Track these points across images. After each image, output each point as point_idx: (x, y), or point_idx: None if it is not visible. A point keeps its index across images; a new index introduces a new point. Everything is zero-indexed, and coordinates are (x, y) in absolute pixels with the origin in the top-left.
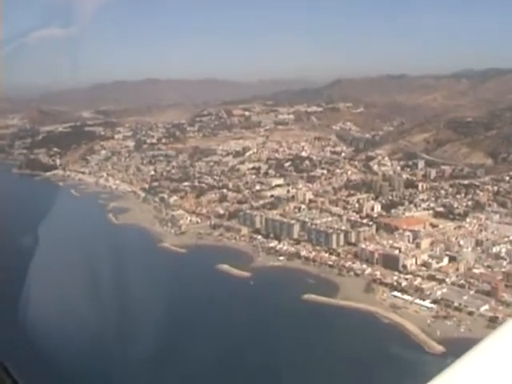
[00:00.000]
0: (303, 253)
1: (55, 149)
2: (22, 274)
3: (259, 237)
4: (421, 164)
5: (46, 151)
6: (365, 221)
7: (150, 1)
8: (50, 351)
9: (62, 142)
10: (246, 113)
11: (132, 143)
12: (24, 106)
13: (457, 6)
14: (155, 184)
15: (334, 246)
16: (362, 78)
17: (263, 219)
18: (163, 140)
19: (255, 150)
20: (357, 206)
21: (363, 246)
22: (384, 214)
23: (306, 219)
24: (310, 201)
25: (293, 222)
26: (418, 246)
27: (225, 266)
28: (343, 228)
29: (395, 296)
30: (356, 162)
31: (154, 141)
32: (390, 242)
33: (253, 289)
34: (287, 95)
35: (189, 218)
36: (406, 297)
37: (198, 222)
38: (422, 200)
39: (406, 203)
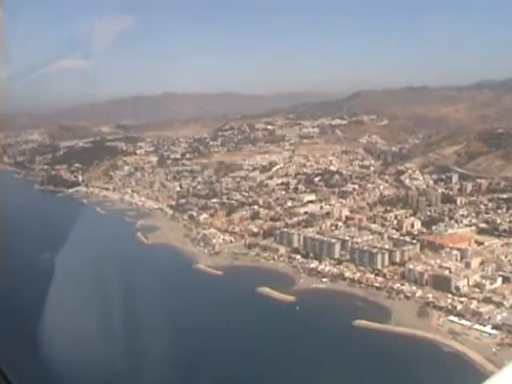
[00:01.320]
0: (347, 274)
1: (77, 164)
2: (49, 296)
3: (298, 257)
4: (455, 178)
5: (67, 167)
6: (407, 238)
7: (166, 14)
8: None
9: (84, 158)
10: (269, 126)
11: (155, 158)
12: (43, 122)
13: (474, 15)
14: (182, 201)
15: (379, 266)
16: (382, 90)
17: (301, 238)
18: (187, 155)
19: (282, 165)
20: (395, 222)
21: (411, 266)
22: (424, 231)
23: (346, 237)
24: (347, 218)
25: (334, 240)
26: (467, 265)
27: (265, 289)
28: (387, 247)
29: (452, 321)
30: (387, 177)
31: (178, 156)
32: (438, 261)
33: (299, 314)
34: (306, 108)
35: (221, 237)
36: (463, 322)
37: (231, 241)
38: (463, 216)
39: (446, 219)
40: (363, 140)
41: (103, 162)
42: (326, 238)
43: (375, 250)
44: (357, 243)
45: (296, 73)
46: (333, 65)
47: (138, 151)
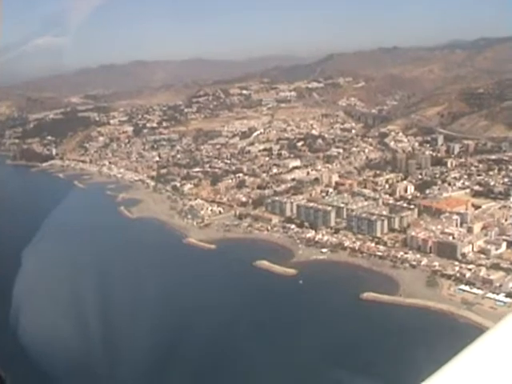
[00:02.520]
0: (347, 243)
1: (49, 137)
2: (31, 277)
3: (293, 226)
4: (440, 139)
5: (39, 140)
6: (402, 203)
7: None
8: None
9: (56, 130)
10: (244, 91)
11: (130, 128)
12: (8, 94)
13: None
14: (163, 171)
15: (379, 233)
16: (354, 51)
17: (294, 206)
18: (164, 123)
19: (262, 131)
20: (387, 187)
21: (413, 233)
22: (418, 195)
23: (341, 204)
24: (337, 183)
25: (329, 208)
26: (469, 230)
27: (264, 263)
28: (384, 213)
29: (463, 290)
30: (370, 139)
31: (154, 124)
32: (439, 227)
33: (303, 289)
34: (279, 72)
35: (209, 208)
36: (475, 290)
37: (220, 212)
38: (455, 178)
39: (439, 182)
40: (342, 103)
41: (77, 133)
42: (320, 206)
43: (374, 217)
44: (352, 210)
45: (266, 36)
46: (302, 28)
47: (112, 121)
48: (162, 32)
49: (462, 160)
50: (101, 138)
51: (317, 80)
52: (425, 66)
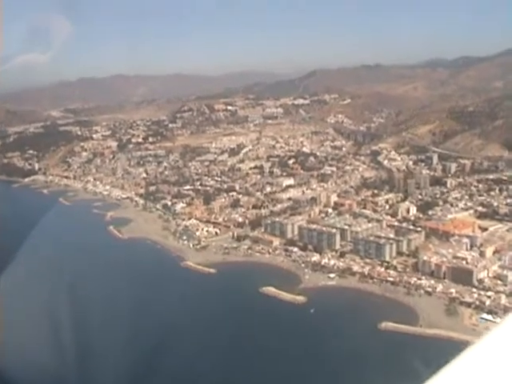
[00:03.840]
0: (355, 268)
1: (30, 151)
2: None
3: (295, 249)
4: (435, 158)
5: (20, 154)
6: (406, 225)
7: None
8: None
9: (37, 144)
10: (230, 107)
11: (114, 143)
12: None
13: None
14: (152, 188)
15: (387, 257)
16: (337, 68)
17: (295, 228)
18: (149, 139)
19: (251, 147)
20: (387, 207)
21: (425, 257)
22: (421, 216)
23: (344, 226)
24: (336, 204)
25: (334, 230)
26: (482, 254)
27: (270, 289)
28: (391, 236)
29: (486, 319)
30: (363, 158)
31: (140, 140)
32: (450, 251)
33: (316, 318)
34: (262, 88)
35: (205, 229)
36: (498, 320)
37: (217, 233)
38: (456, 199)
39: (440, 203)
40: (330, 120)
41: (59, 148)
42: (324, 228)
43: (383, 241)
44: (357, 233)
45: (244, 52)
46: (282, 44)
47: (95, 136)
48: (142, 47)
49: (461, 180)
50: (84, 153)
51: (302, 97)
52: (408, 84)
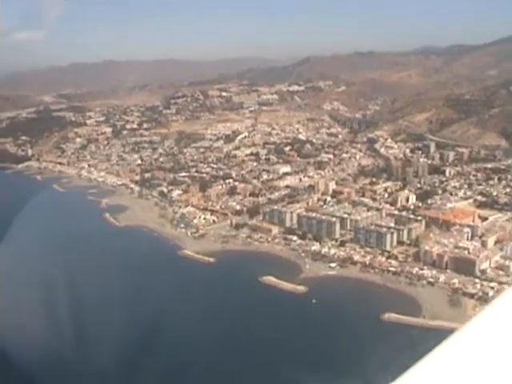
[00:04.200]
0: (356, 257)
1: (24, 137)
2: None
3: (295, 238)
4: (432, 147)
5: (12, 140)
6: (407, 214)
7: None
8: None
9: (30, 129)
10: (224, 93)
11: (108, 129)
12: None
13: None
14: (147, 175)
15: (388, 247)
16: (331, 55)
17: (294, 216)
18: (144, 125)
19: (247, 134)
20: (386, 195)
21: (426, 247)
22: (420, 205)
23: (344, 215)
24: (334, 192)
25: (333, 219)
26: (483, 244)
27: (270, 278)
28: (392, 225)
29: None
30: (359, 145)
31: (134, 126)
32: (451, 240)
33: (318, 309)
34: (256, 74)
35: (202, 217)
36: None
37: (214, 221)
38: (455, 188)
39: (440, 192)
40: (325, 107)
41: (52, 133)
42: (324, 217)
43: (384, 230)
44: (357, 221)
45: (238, 38)
46: (274, 30)
47: (89, 121)
48: (134, 31)
49: (459, 168)
50: (78, 139)
51: (297, 83)
52: (402, 71)
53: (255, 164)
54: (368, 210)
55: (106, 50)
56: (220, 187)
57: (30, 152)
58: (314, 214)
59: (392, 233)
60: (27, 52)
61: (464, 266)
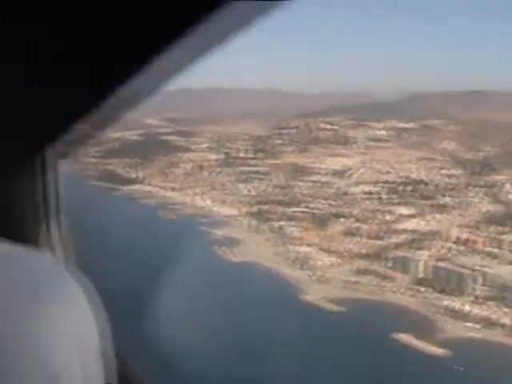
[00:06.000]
0: (504, 320)
1: (130, 159)
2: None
3: (423, 289)
4: None
5: (119, 161)
6: None
7: None
8: None
9: (137, 152)
10: (334, 126)
11: (215, 156)
12: None
13: None
14: (260, 208)
15: None
16: (443, 92)
17: (428, 266)
18: (251, 154)
19: (362, 171)
20: None
21: None
22: None
23: (485, 268)
24: (458, 239)
25: (467, 271)
26: None
27: (403, 337)
28: None
29: None
30: (477, 188)
31: (241, 154)
32: None
33: (460, 377)
34: (362, 108)
35: (324, 258)
36: None
37: (339, 264)
38: None
39: None
40: (439, 146)
41: (159, 157)
42: (465, 271)
43: None
44: (495, 275)
45: (342, 73)
46: (378, 65)
47: (194, 147)
48: (241, 59)
49: None
50: (185, 165)
51: (407, 120)
52: None
53: (369, 203)
54: (502, 263)
55: (210, 76)
56: (339, 227)
57: (134, 175)
58: (451, 266)
59: None
60: None
61: None
